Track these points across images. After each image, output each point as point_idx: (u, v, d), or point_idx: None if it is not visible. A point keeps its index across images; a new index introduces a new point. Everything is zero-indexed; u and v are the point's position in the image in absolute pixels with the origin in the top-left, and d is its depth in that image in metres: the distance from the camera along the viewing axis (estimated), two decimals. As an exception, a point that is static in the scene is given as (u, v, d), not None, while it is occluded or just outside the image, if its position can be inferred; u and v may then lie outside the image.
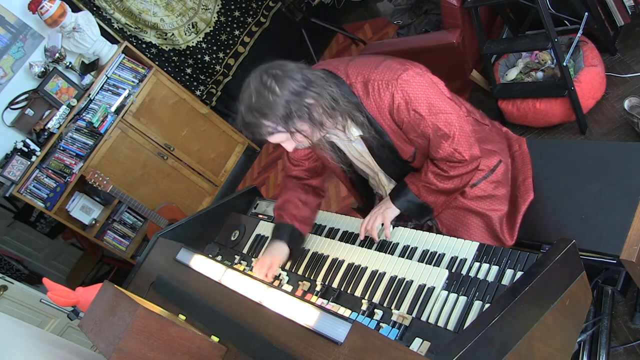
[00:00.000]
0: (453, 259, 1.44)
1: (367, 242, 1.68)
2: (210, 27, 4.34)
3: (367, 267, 1.52)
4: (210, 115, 4.28)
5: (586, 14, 2.50)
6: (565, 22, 2.68)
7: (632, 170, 1.68)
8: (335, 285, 1.54)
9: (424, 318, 1.29)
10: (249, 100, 1.38)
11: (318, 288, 1.53)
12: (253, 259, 1.78)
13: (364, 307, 1.38)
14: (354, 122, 1.50)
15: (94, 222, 3.82)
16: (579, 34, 2.52)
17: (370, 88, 1.46)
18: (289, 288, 1.61)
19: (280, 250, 1.68)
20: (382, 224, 1.62)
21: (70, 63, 3.67)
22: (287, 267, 1.72)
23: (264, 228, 1.93)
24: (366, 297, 1.44)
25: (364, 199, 1.92)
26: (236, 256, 1.87)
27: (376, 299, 1.42)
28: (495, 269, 1.34)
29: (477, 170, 1.63)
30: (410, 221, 1.82)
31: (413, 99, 1.43)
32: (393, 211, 1.62)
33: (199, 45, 4.29)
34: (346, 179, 1.85)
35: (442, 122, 1.46)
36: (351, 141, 1.60)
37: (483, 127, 1.76)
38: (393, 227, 1.64)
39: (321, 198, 1.85)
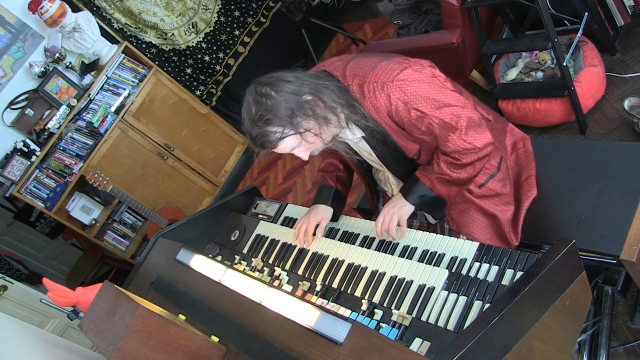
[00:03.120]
0: (453, 259, 1.44)
1: (367, 242, 1.68)
2: (210, 27, 4.34)
3: (367, 267, 1.51)
4: (210, 115, 4.28)
5: (586, 14, 2.50)
6: (565, 22, 2.68)
7: (632, 170, 1.68)
8: (335, 285, 1.54)
9: (424, 318, 1.29)
10: (249, 113, 1.39)
11: (318, 288, 1.53)
12: (253, 259, 1.78)
13: (364, 307, 1.38)
14: (354, 120, 1.49)
15: (94, 222, 3.82)
16: (579, 34, 2.53)
17: (366, 90, 1.44)
18: (289, 288, 1.61)
19: (326, 211, 1.76)
20: (398, 224, 1.60)
21: (70, 63, 3.67)
22: (287, 267, 1.72)
23: (264, 228, 1.93)
24: (366, 297, 1.43)
25: (372, 191, 1.92)
26: (236, 256, 1.87)
27: (376, 299, 1.42)
28: (495, 269, 1.34)
29: (484, 169, 1.62)
30: (415, 219, 1.81)
31: (412, 98, 1.41)
32: (408, 209, 1.59)
33: (199, 45, 4.29)
34: (356, 169, 1.85)
35: (447, 115, 1.43)
36: (357, 141, 1.60)
37: (487, 122, 1.75)
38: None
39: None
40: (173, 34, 4.15)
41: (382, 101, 1.43)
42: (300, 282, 1.59)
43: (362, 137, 1.55)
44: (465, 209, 1.67)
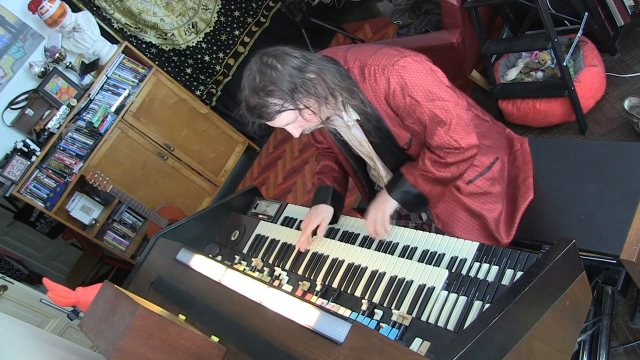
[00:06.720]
0: (453, 259, 1.44)
1: (367, 242, 1.68)
2: (210, 27, 4.34)
3: (367, 267, 1.52)
4: (210, 115, 4.28)
5: (586, 14, 2.50)
6: (565, 22, 2.68)
7: (632, 170, 1.68)
8: (335, 285, 1.54)
9: (424, 318, 1.29)
10: (252, 82, 1.40)
11: (318, 288, 1.53)
12: (253, 259, 1.78)
13: (364, 307, 1.38)
14: (352, 104, 1.50)
15: (94, 222, 3.82)
16: (579, 34, 2.52)
17: (367, 72, 1.47)
18: (289, 288, 1.61)
19: (326, 211, 1.74)
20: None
21: (70, 63, 3.67)
22: (287, 267, 1.72)
23: (264, 228, 1.93)
24: (366, 297, 1.44)
25: (366, 190, 1.92)
26: (236, 256, 1.87)
27: (376, 299, 1.42)
28: (495, 269, 1.34)
29: (474, 166, 1.63)
30: (410, 219, 1.81)
31: (409, 85, 1.44)
32: (390, 204, 1.61)
33: (199, 45, 4.29)
34: (350, 167, 1.85)
35: (438, 109, 1.46)
36: (349, 127, 1.60)
37: (483, 122, 1.76)
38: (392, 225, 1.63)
39: None
40: (173, 34, 4.15)
41: (382, 84, 1.46)
42: (300, 282, 1.59)
43: (357, 120, 1.56)
44: (452, 208, 1.68)
